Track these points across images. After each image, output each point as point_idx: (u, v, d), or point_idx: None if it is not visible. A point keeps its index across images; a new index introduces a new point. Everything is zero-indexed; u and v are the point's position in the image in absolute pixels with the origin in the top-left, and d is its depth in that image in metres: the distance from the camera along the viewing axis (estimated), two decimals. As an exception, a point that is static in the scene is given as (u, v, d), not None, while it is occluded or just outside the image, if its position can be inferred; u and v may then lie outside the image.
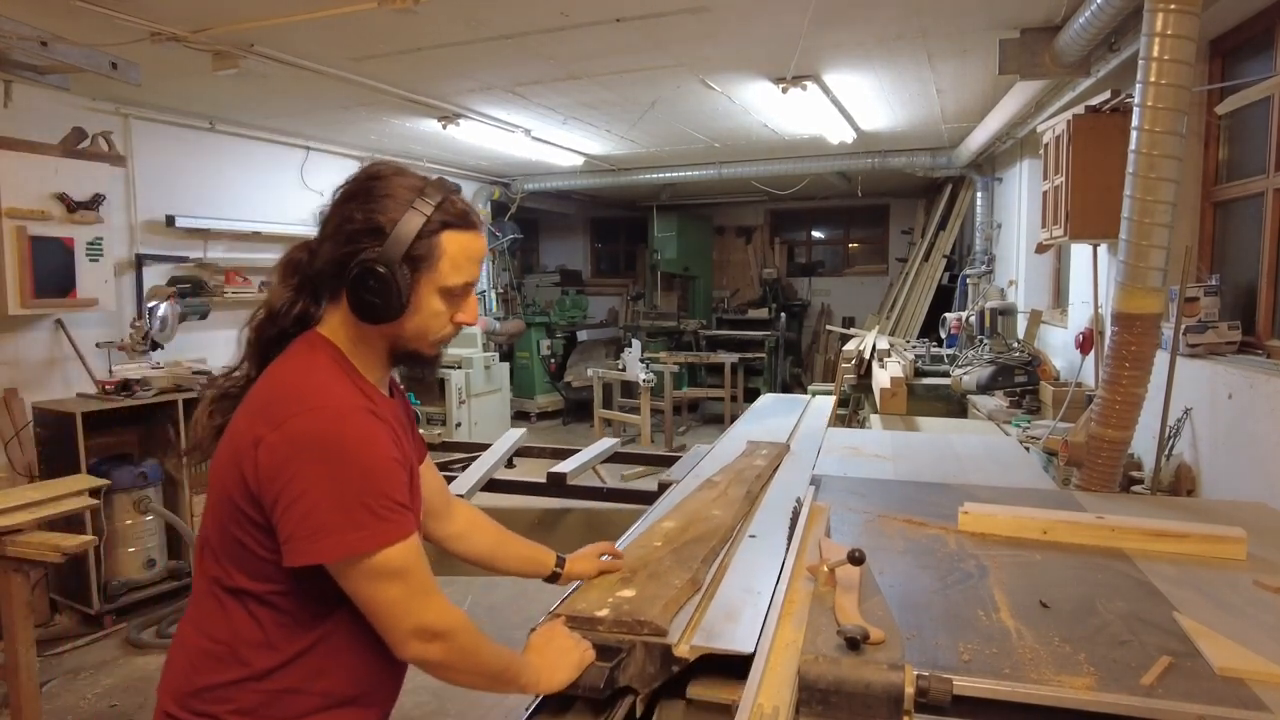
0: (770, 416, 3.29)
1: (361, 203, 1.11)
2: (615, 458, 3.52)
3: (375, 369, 1.19)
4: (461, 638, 1.14)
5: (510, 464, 3.46)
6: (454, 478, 3.03)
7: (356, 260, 1.09)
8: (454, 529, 1.45)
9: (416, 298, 1.12)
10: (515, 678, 1.18)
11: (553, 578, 1.46)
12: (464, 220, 1.15)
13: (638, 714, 1.19)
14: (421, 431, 2.23)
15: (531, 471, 3.43)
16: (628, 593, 1.33)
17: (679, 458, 2.87)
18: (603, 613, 1.26)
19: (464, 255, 1.15)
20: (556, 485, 3.02)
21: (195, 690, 1.12)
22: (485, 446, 3.53)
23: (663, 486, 2.37)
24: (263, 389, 1.13)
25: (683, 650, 1.18)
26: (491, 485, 3.11)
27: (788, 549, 1.52)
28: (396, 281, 1.09)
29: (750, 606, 1.31)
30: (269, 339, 1.18)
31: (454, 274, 1.14)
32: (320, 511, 1.03)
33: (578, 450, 3.38)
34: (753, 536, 1.70)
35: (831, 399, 3.81)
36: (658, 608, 1.24)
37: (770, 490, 2.08)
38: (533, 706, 1.22)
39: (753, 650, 1.13)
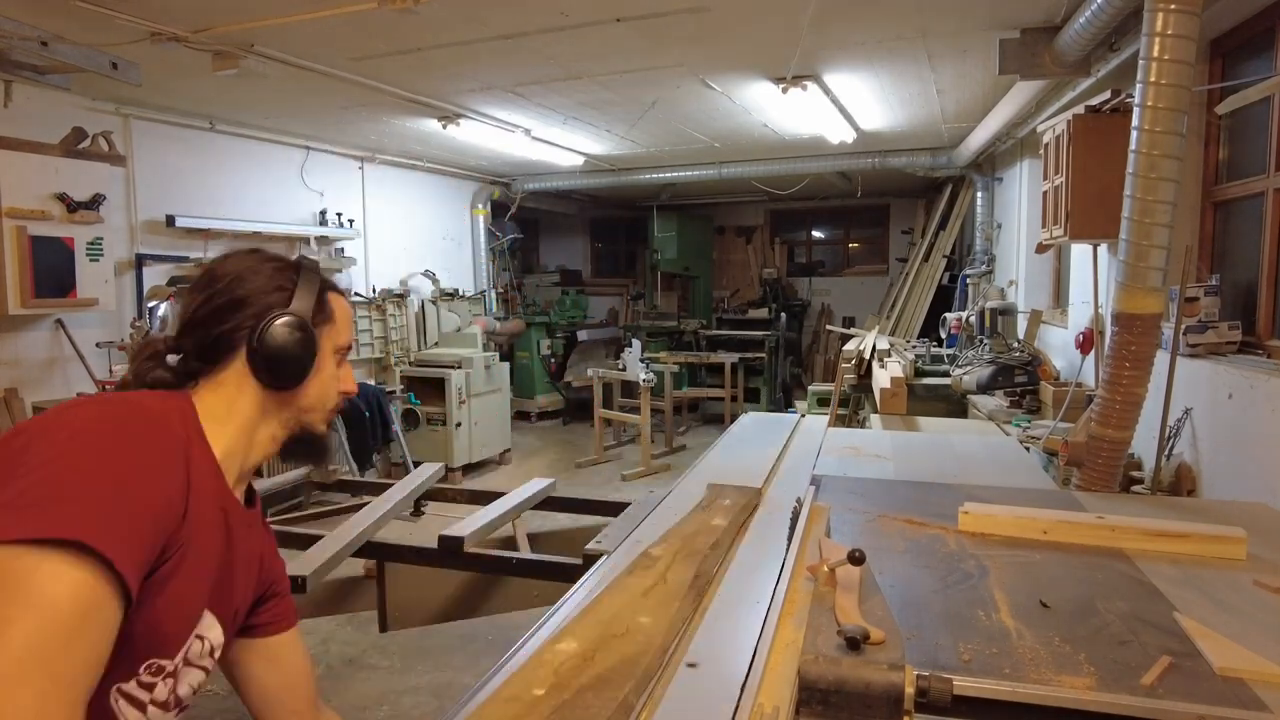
0: (749, 444, 2.66)
1: (236, 281, 1.07)
2: (548, 503, 2.76)
3: (240, 454, 1.07)
4: None
5: (419, 511, 2.93)
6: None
7: (268, 319, 1.05)
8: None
9: (319, 357, 1.11)
10: None
11: None
12: (336, 286, 1.19)
13: None
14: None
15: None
16: None
17: (627, 505, 2.17)
18: None
19: (345, 316, 1.17)
20: (449, 553, 2.27)
21: None
22: (496, 495, 2.73)
23: (589, 560, 1.67)
24: None
25: None
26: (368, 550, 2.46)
27: (788, 548, 1.52)
28: (312, 334, 1.09)
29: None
30: None
31: (344, 332, 1.16)
32: None
33: (500, 494, 2.66)
34: (691, 666, 1.07)
35: (825, 418, 3.36)
36: None
37: (737, 555, 1.54)
38: None
39: None
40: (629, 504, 2.18)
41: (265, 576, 1.16)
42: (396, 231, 7.33)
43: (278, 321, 1.05)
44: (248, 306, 1.06)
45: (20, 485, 0.77)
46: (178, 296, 4.69)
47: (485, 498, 2.72)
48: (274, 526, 1.63)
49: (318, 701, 1.24)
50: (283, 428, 1.11)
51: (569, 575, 1.93)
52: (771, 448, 2.53)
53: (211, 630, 1.04)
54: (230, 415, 1.05)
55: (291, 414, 1.11)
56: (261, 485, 2.64)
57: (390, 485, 2.83)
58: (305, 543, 2.31)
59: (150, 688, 0.94)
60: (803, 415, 3.28)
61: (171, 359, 1.07)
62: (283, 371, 1.07)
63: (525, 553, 2.42)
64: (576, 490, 2.92)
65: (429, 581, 2.50)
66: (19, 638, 0.71)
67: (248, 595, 1.12)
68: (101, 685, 0.83)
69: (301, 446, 1.15)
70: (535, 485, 2.74)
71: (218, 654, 1.07)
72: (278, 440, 1.12)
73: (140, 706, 0.94)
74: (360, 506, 2.68)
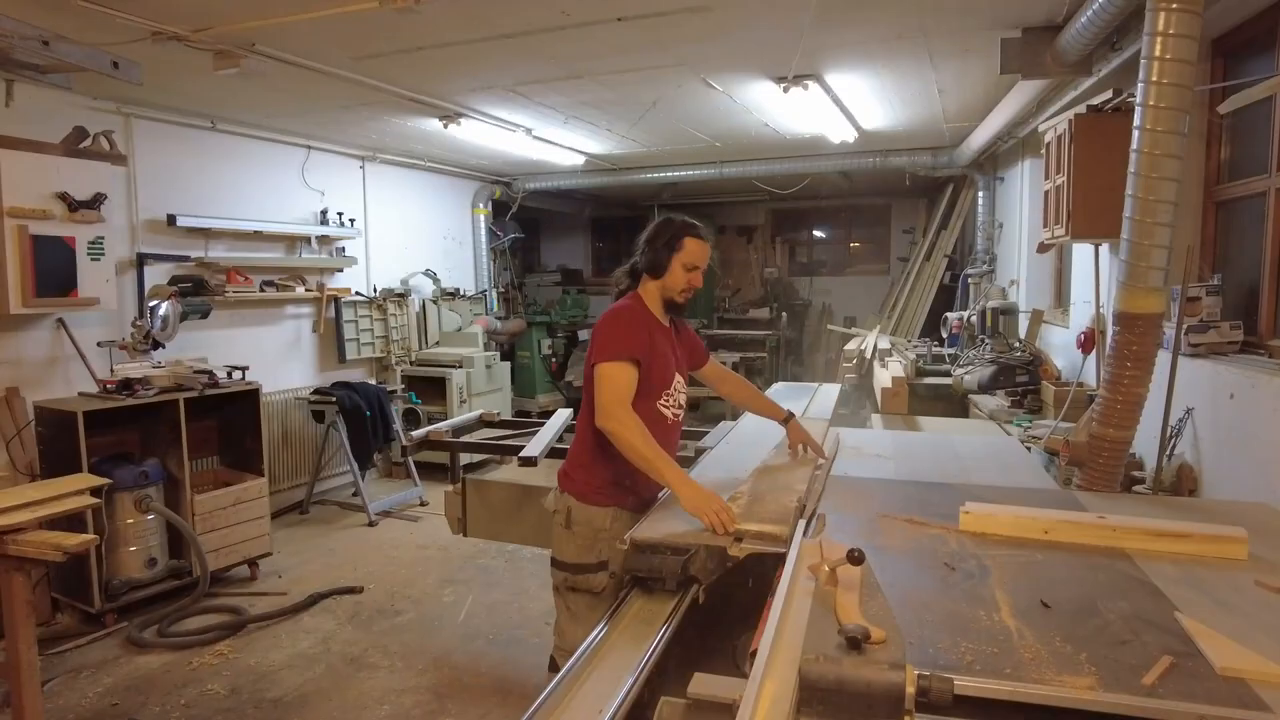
0: (784, 401, 3.53)
1: (654, 231, 2.38)
2: None
3: (657, 308, 2.38)
4: (624, 435, 2.10)
5: (562, 439, 3.69)
6: (520, 446, 3.34)
7: (649, 249, 2.35)
8: (712, 380, 2.71)
9: (670, 267, 2.32)
10: (660, 473, 2.04)
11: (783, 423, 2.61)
12: (696, 233, 2.34)
13: (700, 600, 1.69)
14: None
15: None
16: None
17: (708, 432, 3.29)
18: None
19: (694, 249, 2.33)
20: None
21: (571, 458, 2.42)
22: (538, 423, 3.88)
23: (698, 453, 2.86)
24: None
25: (734, 551, 1.70)
26: (551, 453, 3.33)
27: (788, 548, 1.52)
28: (661, 256, 2.33)
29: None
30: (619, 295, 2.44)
31: (689, 257, 2.32)
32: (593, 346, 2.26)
33: None
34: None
35: (836, 387, 4.14)
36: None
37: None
38: (628, 589, 1.79)
39: (785, 550, 1.57)
40: (708, 430, 3.35)
41: (689, 346, 2.56)
42: (397, 231, 7.33)
43: (651, 250, 2.36)
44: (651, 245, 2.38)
45: (600, 344, 2.23)
46: (179, 296, 4.69)
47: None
48: (486, 442, 3.67)
49: (717, 370, 2.74)
50: (662, 298, 2.37)
51: (685, 464, 2.69)
52: (800, 401, 3.71)
53: (679, 378, 2.41)
54: (647, 293, 2.39)
55: (662, 292, 2.36)
56: (452, 423, 3.93)
57: (538, 422, 3.89)
58: (514, 450, 3.37)
59: (668, 401, 2.35)
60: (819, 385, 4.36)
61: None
62: (650, 270, 2.36)
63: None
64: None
65: (498, 504, 3.36)
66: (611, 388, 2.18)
67: (683, 358, 2.47)
68: (654, 403, 2.30)
69: (670, 307, 2.39)
70: None
71: (682, 385, 2.42)
72: (662, 302, 2.37)
73: (667, 407, 2.35)
74: (528, 434, 3.69)
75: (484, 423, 4.01)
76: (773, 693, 1.02)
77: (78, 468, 3.85)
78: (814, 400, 3.80)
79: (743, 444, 2.87)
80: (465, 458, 3.77)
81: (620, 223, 12.13)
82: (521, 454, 3.21)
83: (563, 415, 3.84)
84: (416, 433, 3.66)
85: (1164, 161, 2.31)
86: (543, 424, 3.75)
